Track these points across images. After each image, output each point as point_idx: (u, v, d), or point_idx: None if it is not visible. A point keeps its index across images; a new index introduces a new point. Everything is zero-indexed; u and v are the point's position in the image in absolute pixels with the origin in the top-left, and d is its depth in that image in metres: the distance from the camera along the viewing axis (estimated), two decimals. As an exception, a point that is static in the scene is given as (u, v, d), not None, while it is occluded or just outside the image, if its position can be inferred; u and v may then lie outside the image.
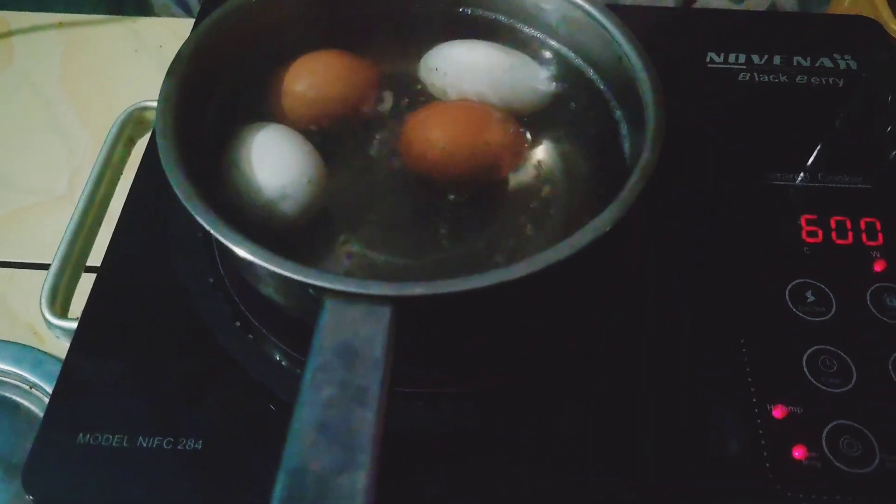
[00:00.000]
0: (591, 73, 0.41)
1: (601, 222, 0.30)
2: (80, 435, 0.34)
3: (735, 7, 0.66)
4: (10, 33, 0.62)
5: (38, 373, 0.44)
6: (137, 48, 0.61)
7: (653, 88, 0.36)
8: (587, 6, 0.40)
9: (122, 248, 0.41)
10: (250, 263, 0.30)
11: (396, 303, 0.28)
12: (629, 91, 0.37)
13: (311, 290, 0.29)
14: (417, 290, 0.29)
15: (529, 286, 0.30)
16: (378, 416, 0.26)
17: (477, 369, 0.36)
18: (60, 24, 0.63)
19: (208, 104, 0.38)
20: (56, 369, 0.42)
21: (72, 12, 0.65)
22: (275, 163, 0.36)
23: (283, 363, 0.36)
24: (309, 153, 0.37)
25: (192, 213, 0.30)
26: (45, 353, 0.44)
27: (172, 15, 0.72)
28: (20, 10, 0.65)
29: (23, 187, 0.52)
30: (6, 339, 0.45)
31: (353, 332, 0.28)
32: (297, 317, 0.35)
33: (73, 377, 0.36)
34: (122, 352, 0.37)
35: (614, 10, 0.54)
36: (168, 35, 0.62)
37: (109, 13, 0.70)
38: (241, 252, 0.29)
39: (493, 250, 0.36)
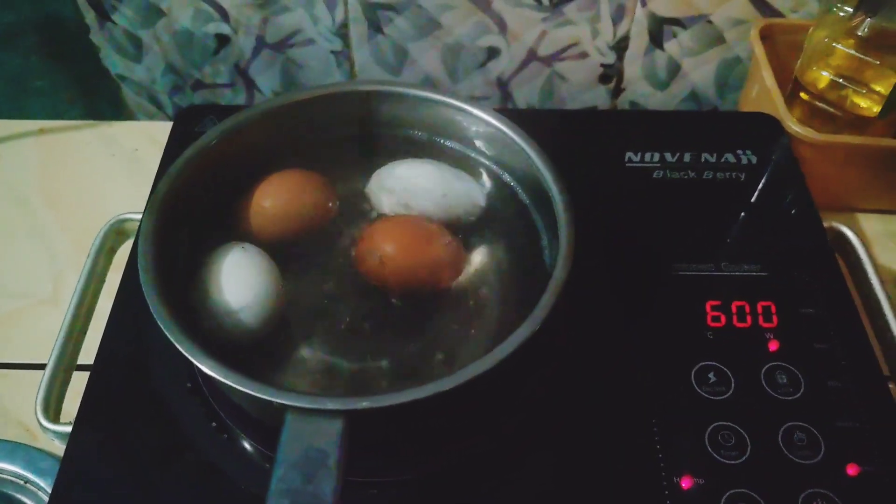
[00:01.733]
0: (516, 188, 0.47)
1: (517, 337, 0.36)
2: (77, 534, 0.38)
3: (658, 94, 0.73)
4: (-8, 141, 0.67)
5: (32, 469, 0.48)
6: (114, 153, 0.67)
7: (564, 209, 0.42)
8: (510, 132, 0.46)
9: (107, 357, 0.46)
10: (223, 383, 0.35)
11: (347, 415, 0.34)
12: (548, 206, 0.43)
13: (273, 405, 0.35)
14: (364, 404, 0.34)
15: (462, 393, 0.35)
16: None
17: (423, 458, 0.42)
18: (41, 131, 0.68)
19: (182, 232, 0.43)
20: (48, 465, 0.47)
21: (49, 117, 0.70)
22: (238, 282, 0.41)
23: (254, 460, 0.41)
24: (269, 271, 0.42)
25: (175, 343, 0.36)
26: (38, 449, 0.49)
27: (145, 112, 0.78)
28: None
29: (8, 292, 0.57)
30: (0, 437, 0.49)
31: (309, 443, 0.33)
32: (263, 419, 0.40)
33: (69, 477, 0.41)
34: (111, 452, 0.42)
35: (545, 114, 0.61)
36: (142, 139, 0.68)
37: (86, 115, 0.76)
38: (216, 375, 0.35)
39: (437, 349, 0.42)
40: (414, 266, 0.43)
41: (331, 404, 0.34)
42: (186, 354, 0.35)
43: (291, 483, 0.32)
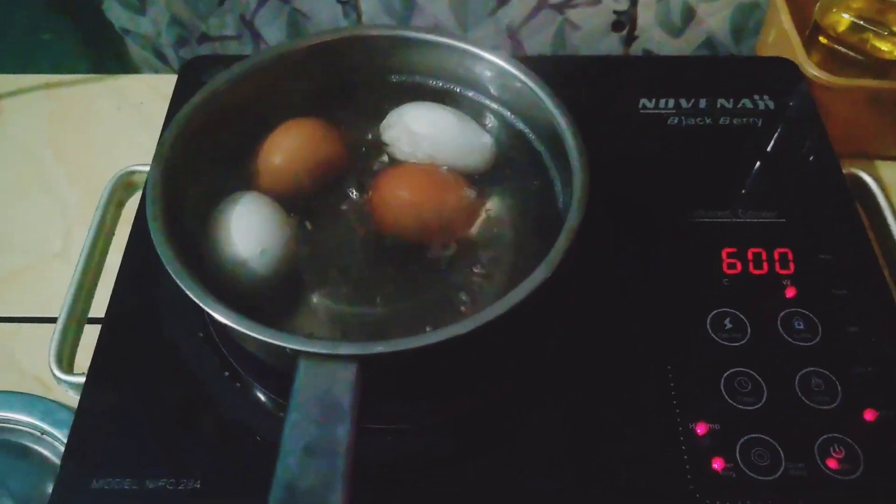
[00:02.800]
0: (529, 134, 0.46)
1: (531, 282, 0.36)
2: (94, 481, 0.38)
3: (672, 41, 0.71)
4: (-1, 97, 0.67)
5: (48, 420, 0.48)
6: (120, 106, 0.66)
7: (578, 153, 0.41)
8: (522, 76, 0.45)
9: (119, 307, 0.46)
10: (236, 330, 0.35)
11: (361, 360, 0.34)
12: (561, 151, 0.43)
13: (287, 351, 0.34)
14: (378, 348, 0.34)
15: (477, 338, 0.35)
16: (347, 463, 0.31)
17: (438, 405, 0.42)
18: (47, 85, 0.67)
19: (191, 181, 0.43)
20: (63, 417, 0.47)
21: (55, 72, 0.69)
22: (248, 231, 0.41)
23: (267, 407, 0.41)
24: (280, 219, 0.42)
25: (185, 290, 0.35)
26: (54, 401, 0.49)
27: (150, 66, 0.77)
28: (5, 72, 0.70)
29: (19, 247, 0.57)
30: (16, 390, 0.49)
31: (324, 388, 0.33)
32: (276, 367, 0.40)
33: (83, 429, 0.41)
34: (125, 403, 0.42)
35: (557, 61, 0.60)
36: (148, 92, 0.67)
37: (91, 70, 0.75)
38: (228, 322, 0.35)
39: (452, 296, 0.41)
40: (429, 213, 0.43)
41: (344, 349, 0.34)
42: (199, 302, 0.35)
43: (305, 428, 0.32)
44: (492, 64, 0.46)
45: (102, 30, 0.74)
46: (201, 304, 0.35)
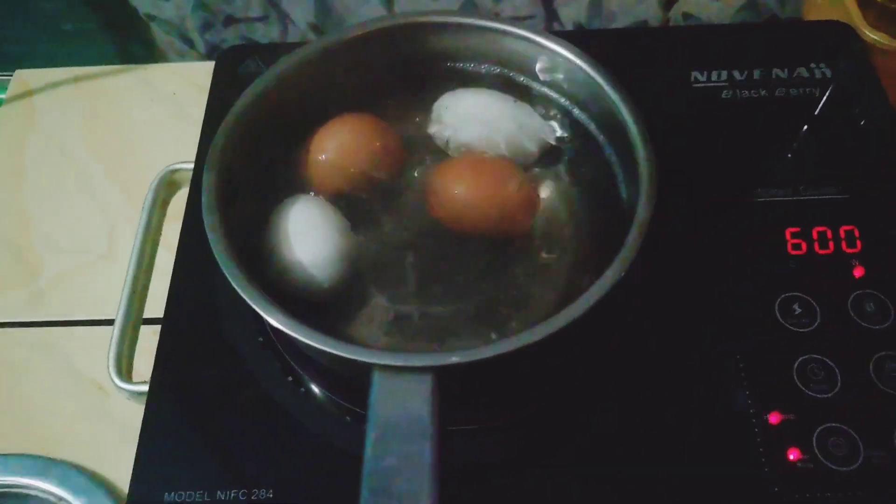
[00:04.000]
0: (585, 120, 0.45)
1: (606, 281, 0.35)
2: (166, 494, 0.38)
3: (713, 3, 0.68)
4: (30, 93, 0.65)
5: (66, 487, 0.45)
6: (152, 97, 0.65)
7: (643, 141, 0.40)
8: (579, 61, 0.43)
9: (175, 313, 0.45)
10: (305, 344, 0.34)
11: (437, 371, 0.33)
12: (623, 140, 0.41)
13: (359, 363, 0.34)
14: (454, 359, 0.33)
15: (549, 343, 0.34)
16: (432, 478, 0.30)
17: (511, 405, 0.41)
18: (76, 79, 0.66)
19: (244, 185, 0.41)
20: (81, 482, 0.45)
21: (81, 62, 0.68)
22: (307, 236, 0.40)
23: (334, 413, 0.41)
24: (338, 222, 0.41)
25: (254, 306, 0.35)
26: (70, 464, 0.46)
27: (176, 51, 0.75)
28: (32, 66, 0.68)
29: (65, 248, 0.56)
30: (75, 397, 0.49)
31: (402, 402, 0.32)
32: (343, 374, 0.39)
33: (151, 441, 0.41)
34: (189, 413, 0.42)
35: (601, 35, 0.58)
36: (179, 81, 0.65)
37: (118, 58, 0.73)
38: (299, 337, 0.34)
39: (515, 292, 0.41)
40: (488, 207, 0.42)
41: (419, 361, 0.33)
42: (268, 318, 0.34)
43: (389, 444, 0.31)
44: (541, 46, 0.44)
45: (126, 16, 0.72)
46: (272, 320, 0.34)
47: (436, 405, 0.32)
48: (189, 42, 0.75)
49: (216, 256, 0.36)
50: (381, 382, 0.33)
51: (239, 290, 0.35)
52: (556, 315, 0.34)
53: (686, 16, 0.70)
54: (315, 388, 0.42)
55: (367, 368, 0.33)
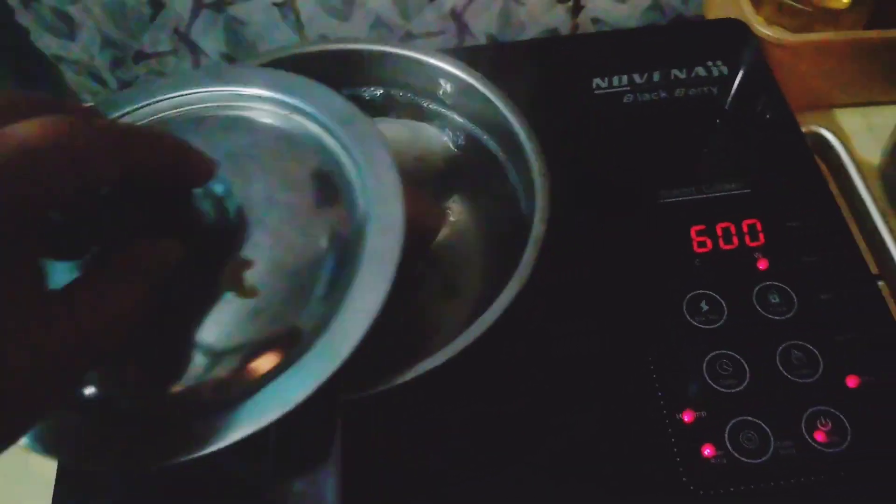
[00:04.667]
0: (485, 138, 0.45)
1: (500, 303, 0.35)
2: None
3: (619, 7, 0.70)
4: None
5: None
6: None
7: (536, 155, 0.40)
8: (476, 83, 0.44)
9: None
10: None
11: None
12: (520, 155, 0.42)
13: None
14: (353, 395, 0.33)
15: (451, 367, 0.34)
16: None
17: (420, 424, 0.41)
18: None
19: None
20: None
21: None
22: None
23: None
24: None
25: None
26: None
27: (89, 91, 0.74)
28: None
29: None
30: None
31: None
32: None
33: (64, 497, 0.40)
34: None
35: (507, 48, 0.58)
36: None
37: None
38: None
39: (423, 309, 0.41)
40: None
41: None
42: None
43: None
44: (442, 70, 0.45)
45: (34, 60, 0.71)
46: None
47: (339, 439, 0.32)
48: (101, 81, 0.74)
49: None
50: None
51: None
52: (454, 341, 0.34)
53: (595, 20, 0.71)
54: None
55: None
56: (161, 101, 0.40)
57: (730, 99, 0.53)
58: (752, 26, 0.56)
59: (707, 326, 0.43)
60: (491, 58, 0.46)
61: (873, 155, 0.58)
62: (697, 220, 0.47)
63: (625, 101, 0.53)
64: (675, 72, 0.55)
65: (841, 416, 0.40)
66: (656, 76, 0.54)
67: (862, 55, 0.57)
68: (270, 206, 0.34)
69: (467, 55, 0.46)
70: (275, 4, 0.67)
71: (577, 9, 0.70)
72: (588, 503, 0.39)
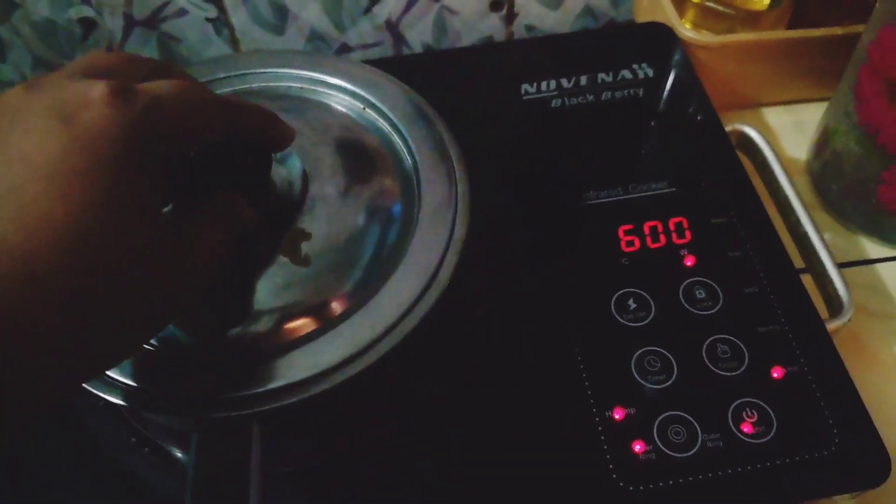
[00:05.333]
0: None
1: (424, 305, 0.35)
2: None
3: (552, 14, 0.71)
4: None
5: None
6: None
7: (457, 161, 0.41)
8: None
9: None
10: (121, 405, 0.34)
11: (258, 417, 0.33)
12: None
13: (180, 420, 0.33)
14: (274, 403, 0.33)
15: (378, 368, 0.34)
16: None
17: (346, 440, 0.41)
18: None
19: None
20: None
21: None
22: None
23: (181, 470, 0.40)
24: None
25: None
26: None
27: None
28: None
29: None
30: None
31: (220, 457, 0.32)
32: (181, 429, 0.39)
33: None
34: (26, 479, 0.40)
35: (437, 57, 0.59)
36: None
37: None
38: (115, 401, 0.33)
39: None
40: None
41: (238, 410, 0.33)
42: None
43: (209, 499, 0.31)
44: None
45: (-36, 81, 0.70)
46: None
47: (257, 454, 0.32)
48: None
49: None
50: (200, 436, 0.32)
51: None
52: (375, 347, 0.34)
53: (529, 28, 0.72)
54: (160, 446, 0.41)
55: (189, 424, 0.33)
56: (250, 73, 0.45)
57: (655, 101, 0.54)
58: (676, 30, 0.57)
59: (635, 324, 0.44)
60: (421, 68, 0.46)
61: (802, 152, 0.60)
62: (625, 219, 0.48)
63: (552, 105, 0.54)
64: (601, 75, 0.55)
65: (766, 407, 0.41)
66: (583, 80, 0.55)
67: (785, 55, 0.58)
68: (332, 187, 0.38)
69: (401, 64, 0.46)
70: (208, 20, 0.67)
71: (510, 17, 0.71)
72: (518, 503, 0.39)
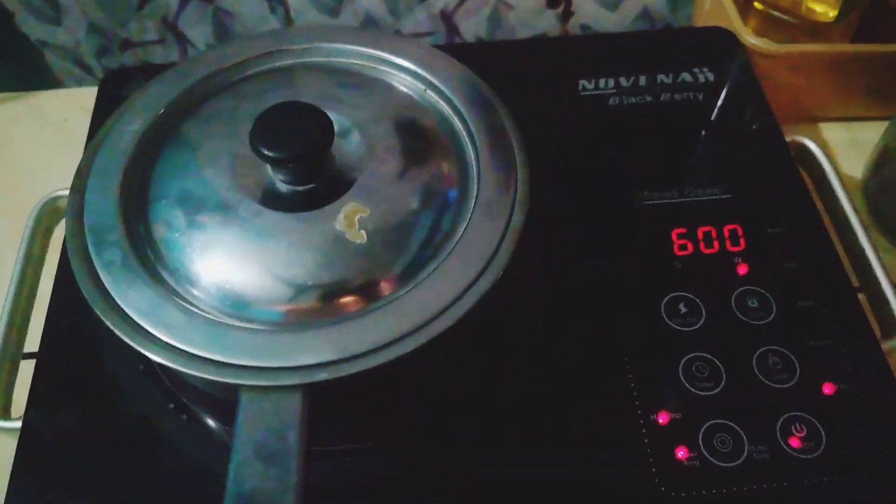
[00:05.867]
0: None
1: (477, 290, 0.35)
2: (37, 534, 0.37)
3: (609, 15, 0.70)
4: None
5: None
6: (41, 125, 0.63)
7: (519, 148, 0.40)
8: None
9: (52, 344, 0.43)
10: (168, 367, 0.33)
11: (306, 389, 0.32)
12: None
13: (228, 385, 0.33)
14: (323, 375, 0.32)
15: (424, 352, 0.34)
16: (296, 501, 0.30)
17: (392, 418, 0.40)
18: (-34, 106, 0.64)
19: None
20: None
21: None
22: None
23: (218, 438, 0.40)
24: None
25: (110, 326, 0.33)
26: None
27: (74, 77, 0.74)
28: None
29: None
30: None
31: (268, 423, 0.31)
32: (223, 398, 0.38)
33: (21, 480, 0.39)
34: (66, 449, 0.40)
35: (494, 47, 0.58)
36: (71, 108, 0.64)
37: (12, 85, 0.71)
38: (156, 358, 0.33)
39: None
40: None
41: (286, 379, 0.32)
42: (123, 336, 0.33)
43: (251, 468, 0.30)
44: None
45: (19, 44, 0.70)
46: (130, 343, 0.33)
47: (304, 425, 0.32)
48: (86, 68, 0.73)
49: (77, 281, 0.35)
50: (247, 403, 0.32)
51: (98, 313, 0.34)
52: (428, 325, 0.34)
53: (584, 27, 0.71)
54: (197, 415, 0.41)
55: (235, 389, 0.32)
56: (311, 47, 0.45)
57: (715, 106, 0.53)
58: (739, 35, 0.56)
59: (685, 329, 0.43)
60: (477, 57, 0.45)
61: (856, 170, 0.58)
62: (679, 223, 0.47)
63: (610, 103, 0.53)
64: (661, 77, 0.54)
65: (816, 423, 0.40)
66: (643, 80, 0.54)
67: (847, 69, 0.57)
68: (390, 165, 0.38)
69: (455, 52, 0.45)
70: (264, -3, 0.67)
71: (566, 15, 0.70)
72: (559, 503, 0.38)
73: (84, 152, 0.41)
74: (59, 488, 0.39)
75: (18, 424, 0.41)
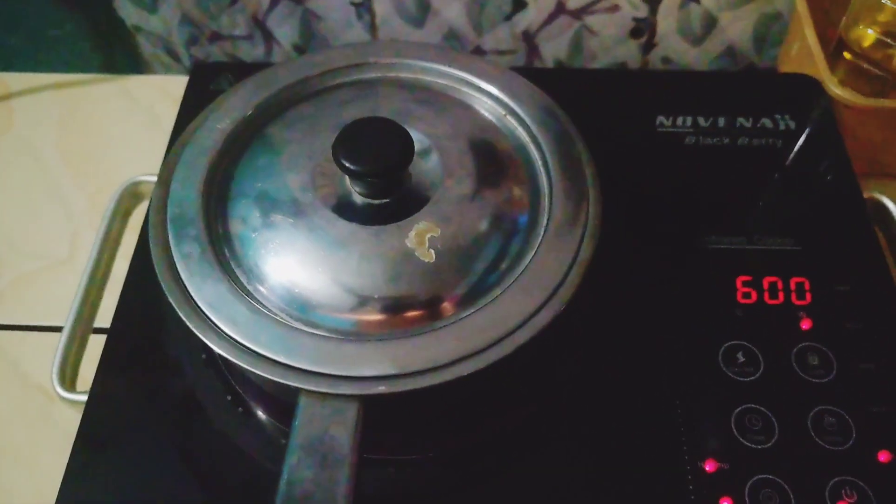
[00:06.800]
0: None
1: (540, 320, 0.35)
2: (93, 508, 0.38)
3: (692, 50, 0.69)
4: (9, 96, 0.66)
5: None
6: (130, 108, 0.65)
7: (593, 180, 0.40)
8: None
9: (122, 325, 0.45)
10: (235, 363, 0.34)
11: (363, 399, 0.33)
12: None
13: (288, 388, 0.34)
14: (381, 388, 0.33)
15: (482, 376, 0.34)
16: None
17: (442, 436, 0.41)
18: (57, 85, 0.67)
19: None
20: None
21: (65, 70, 0.69)
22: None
23: (270, 435, 0.41)
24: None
25: (182, 317, 0.35)
26: None
27: (162, 64, 0.76)
28: (14, 69, 0.69)
29: (26, 252, 0.57)
30: (19, 403, 0.49)
31: (324, 427, 0.32)
32: (280, 396, 0.39)
33: (83, 453, 0.40)
34: (125, 427, 0.42)
35: (573, 74, 0.58)
36: (159, 94, 0.66)
37: (102, 68, 0.74)
38: (225, 355, 0.34)
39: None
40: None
41: (345, 388, 0.33)
42: (198, 333, 0.35)
43: (304, 470, 0.31)
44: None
45: (113, 27, 0.73)
46: (205, 340, 0.34)
47: (358, 433, 0.32)
48: (175, 56, 0.76)
49: (157, 275, 0.37)
50: (306, 407, 0.33)
51: (176, 308, 0.35)
52: (487, 351, 0.34)
53: (665, 60, 0.71)
54: (253, 409, 0.42)
55: (295, 392, 0.33)
56: (398, 63, 0.46)
57: (793, 154, 0.53)
58: (825, 85, 0.55)
59: (741, 378, 0.43)
60: (556, 82, 0.46)
61: (934, 233, 0.57)
62: (744, 270, 0.46)
63: (686, 142, 0.53)
64: (741, 120, 0.54)
65: (868, 490, 0.39)
66: (721, 121, 0.54)
67: (934, 129, 0.56)
68: (465, 187, 0.39)
69: (536, 76, 0.46)
70: (353, 3, 0.68)
71: (649, 46, 0.70)
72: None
73: (173, 146, 0.42)
74: (115, 461, 0.41)
75: (82, 398, 0.43)
